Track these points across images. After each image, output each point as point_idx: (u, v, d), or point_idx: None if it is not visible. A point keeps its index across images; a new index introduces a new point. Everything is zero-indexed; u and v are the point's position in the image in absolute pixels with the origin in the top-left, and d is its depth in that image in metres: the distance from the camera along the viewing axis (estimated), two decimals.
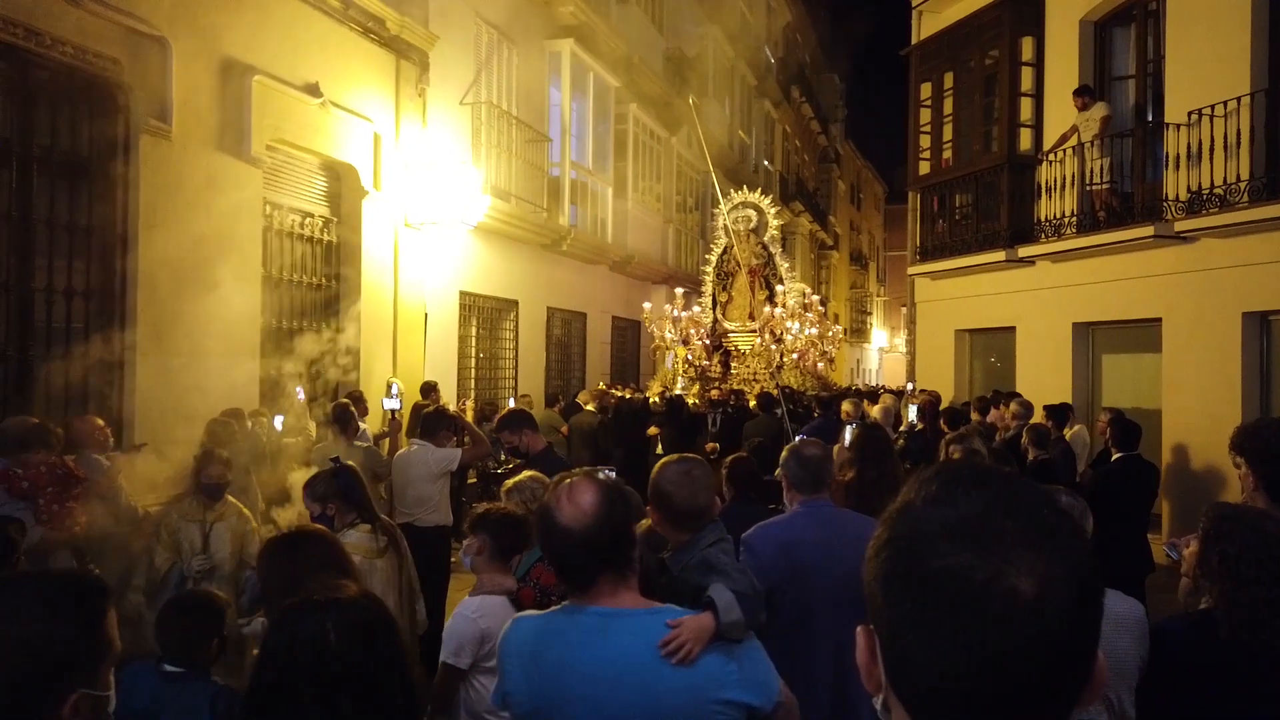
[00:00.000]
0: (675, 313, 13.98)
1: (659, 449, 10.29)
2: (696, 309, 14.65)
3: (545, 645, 2.01)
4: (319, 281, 9.05)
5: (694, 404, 11.92)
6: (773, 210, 15.43)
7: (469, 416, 10.29)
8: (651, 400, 11.66)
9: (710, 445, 10.14)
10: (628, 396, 11.83)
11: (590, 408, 11.09)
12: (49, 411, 5.76)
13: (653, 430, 10.59)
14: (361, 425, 7.65)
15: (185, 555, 4.62)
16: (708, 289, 15.25)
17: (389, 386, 8.66)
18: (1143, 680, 2.53)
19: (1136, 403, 9.97)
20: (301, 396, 7.69)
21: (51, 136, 6.19)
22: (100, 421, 5.54)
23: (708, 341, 14.27)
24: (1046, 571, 0.80)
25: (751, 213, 15.05)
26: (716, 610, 2.08)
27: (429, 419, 6.32)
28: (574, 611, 2.02)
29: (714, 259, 15.38)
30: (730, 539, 2.74)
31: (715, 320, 14.90)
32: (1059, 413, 8.27)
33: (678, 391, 12.68)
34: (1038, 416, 8.29)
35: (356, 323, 9.28)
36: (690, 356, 13.78)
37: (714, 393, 12.25)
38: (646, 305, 14.36)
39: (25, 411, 5.51)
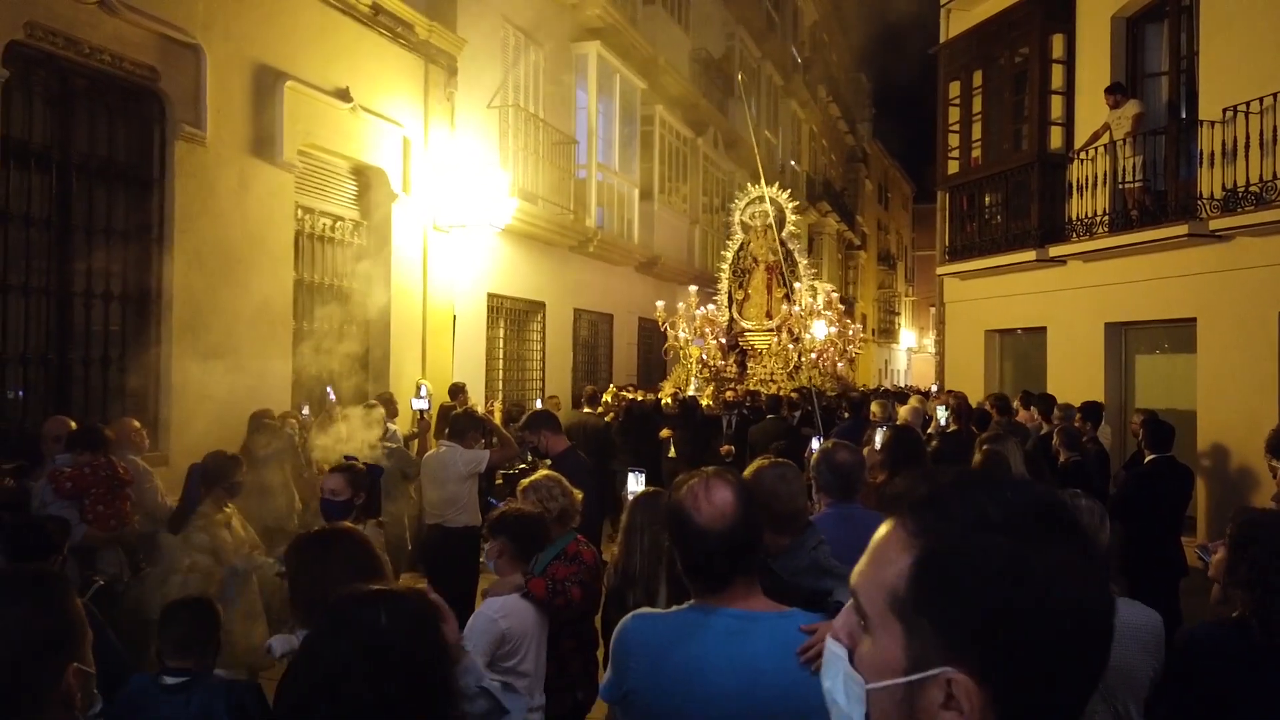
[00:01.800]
0: (692, 311, 13.55)
1: (671, 452, 10.09)
2: (712, 307, 14.26)
3: (675, 644, 1.99)
4: (349, 284, 9.15)
5: (708, 406, 11.59)
6: (791, 205, 15.00)
7: (497, 418, 10.34)
8: (664, 402, 11.39)
9: (725, 448, 9.85)
10: (639, 398, 11.58)
11: (587, 409, 10.95)
12: (87, 413, 5.88)
13: (665, 433, 10.36)
14: (391, 426, 7.74)
15: (228, 556, 4.61)
16: (724, 286, 14.81)
17: (418, 388, 8.74)
18: (1172, 687, 2.50)
19: (1170, 404, 9.84)
20: (333, 398, 7.77)
21: (89, 143, 6.31)
22: (137, 423, 5.65)
23: (723, 341, 13.91)
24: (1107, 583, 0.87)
25: (769, 208, 14.59)
26: None
27: (458, 421, 6.37)
28: (707, 612, 2.00)
29: (730, 255, 14.93)
30: (828, 541, 2.73)
31: (731, 319, 14.50)
32: (1093, 412, 8.17)
33: (691, 393, 12.32)
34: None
35: (386, 325, 9.37)
36: (705, 356, 13.37)
37: (729, 394, 11.97)
38: (659, 304, 13.91)
39: (64, 413, 5.64)
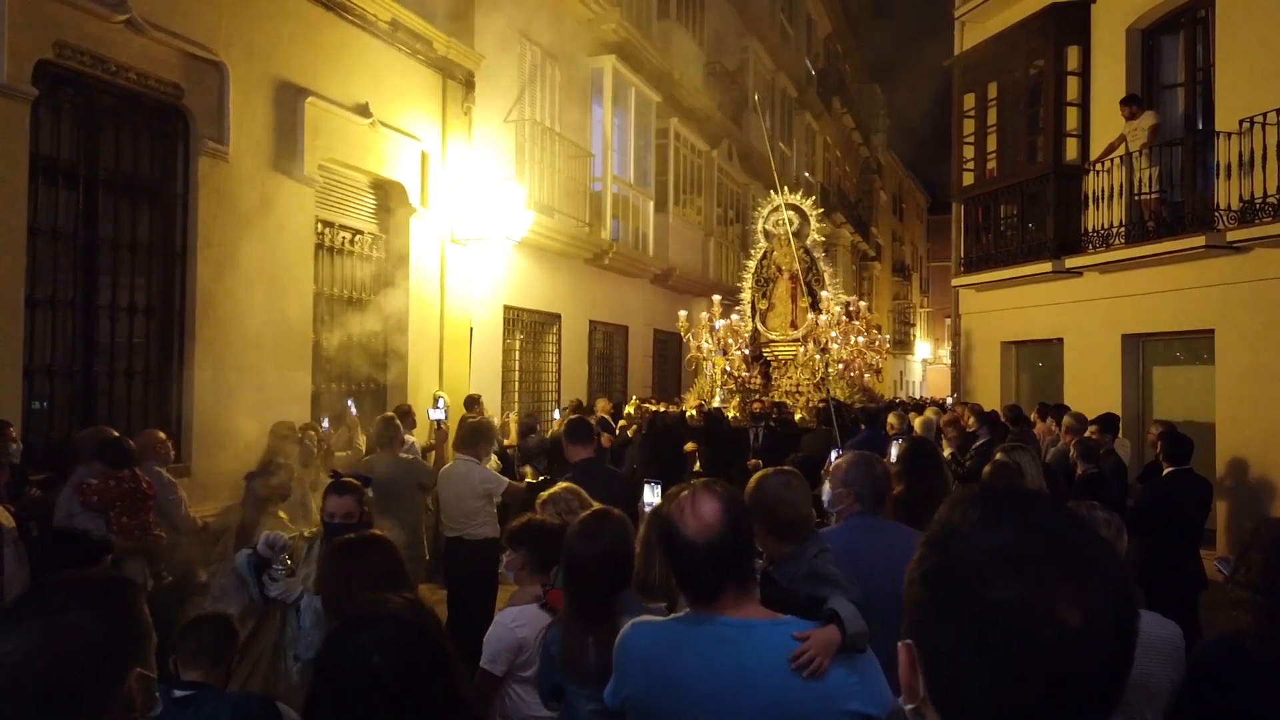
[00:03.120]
0: (714, 321, 13.13)
1: (696, 466, 9.80)
2: (735, 317, 13.83)
3: (671, 652, 2.03)
4: (368, 297, 9.24)
5: (734, 418, 11.28)
6: (815, 213, 14.54)
7: (512, 430, 10.37)
8: (688, 414, 11.00)
9: (753, 462, 9.43)
10: (663, 410, 11.16)
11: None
12: (112, 425, 5.95)
13: (690, 446, 10.07)
14: (409, 438, 7.79)
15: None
16: (746, 296, 14.42)
17: (435, 400, 8.80)
18: (1181, 696, 2.50)
19: (1189, 415, 9.79)
20: (353, 411, 7.84)
21: (115, 159, 6.42)
22: (162, 435, 5.72)
23: (747, 352, 13.48)
24: (1091, 602, 0.87)
25: (792, 215, 14.06)
26: (841, 623, 2.09)
27: (468, 431, 6.42)
28: (700, 621, 2.04)
29: (753, 264, 14.52)
30: (831, 550, 2.75)
31: (755, 329, 14.07)
32: (1110, 424, 8.13)
33: (716, 405, 11.98)
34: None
35: (404, 337, 9.45)
36: (730, 368, 12.94)
37: (755, 406, 11.56)
38: (682, 314, 13.61)
39: (88, 425, 5.72)
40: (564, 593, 2.90)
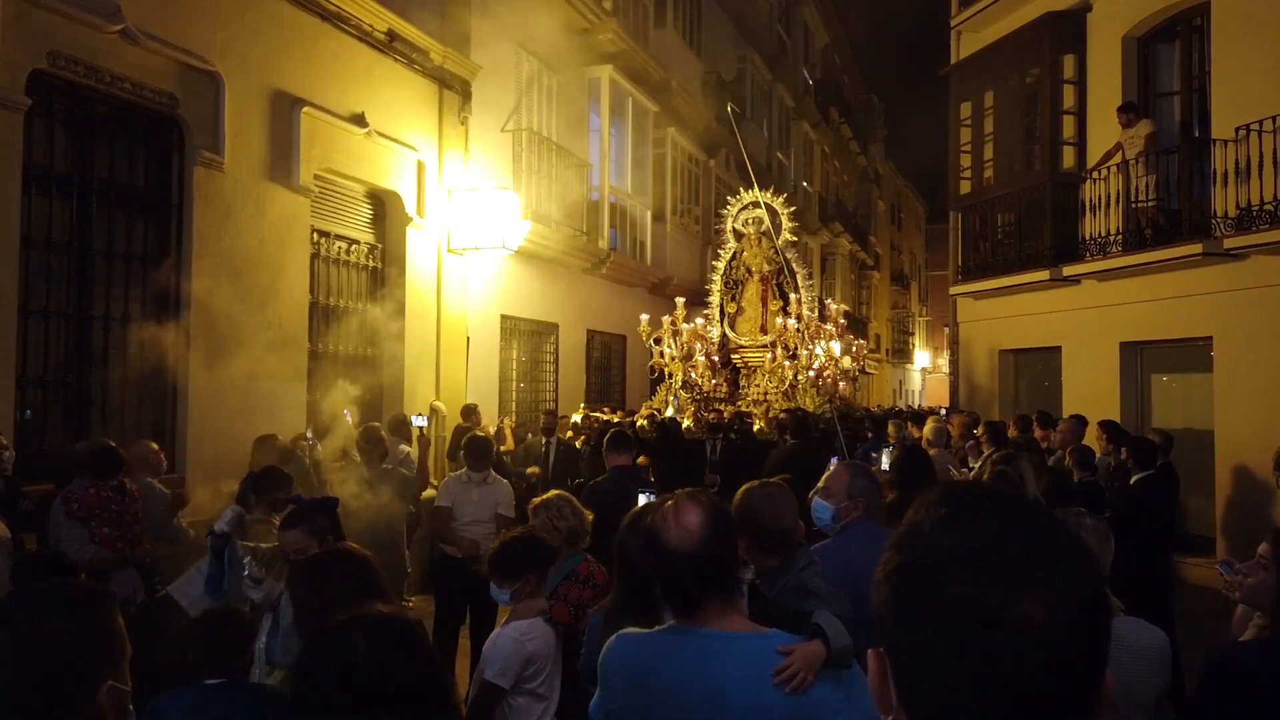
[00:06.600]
0: (679, 325, 12.28)
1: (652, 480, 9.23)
2: (701, 321, 12.95)
3: (654, 665, 2.00)
4: (364, 307, 9.22)
5: (688, 429, 10.40)
6: (787, 211, 13.67)
7: (508, 434, 10.31)
8: (639, 424, 10.19)
9: (710, 478, 8.77)
10: (613, 420, 10.41)
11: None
12: (105, 435, 5.93)
13: (641, 460, 8.91)
14: (405, 448, 7.76)
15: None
16: (714, 299, 13.55)
17: (432, 409, 8.77)
18: (1206, 706, 2.45)
19: (1188, 423, 9.79)
20: (350, 420, 7.81)
21: (110, 169, 6.41)
22: (155, 445, 5.70)
23: (715, 358, 12.61)
24: (1055, 597, 0.82)
25: (763, 213, 13.21)
26: (826, 637, 2.06)
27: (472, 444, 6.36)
28: (682, 632, 2.01)
29: (721, 265, 13.68)
30: (819, 563, 2.71)
31: (724, 334, 13.19)
32: (1114, 431, 8.12)
33: (669, 414, 11.03)
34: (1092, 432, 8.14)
35: (400, 347, 9.43)
36: (694, 374, 12.02)
37: (711, 416, 10.80)
38: (644, 317, 12.37)
39: (83, 436, 5.70)
40: (614, 583, 2.91)
